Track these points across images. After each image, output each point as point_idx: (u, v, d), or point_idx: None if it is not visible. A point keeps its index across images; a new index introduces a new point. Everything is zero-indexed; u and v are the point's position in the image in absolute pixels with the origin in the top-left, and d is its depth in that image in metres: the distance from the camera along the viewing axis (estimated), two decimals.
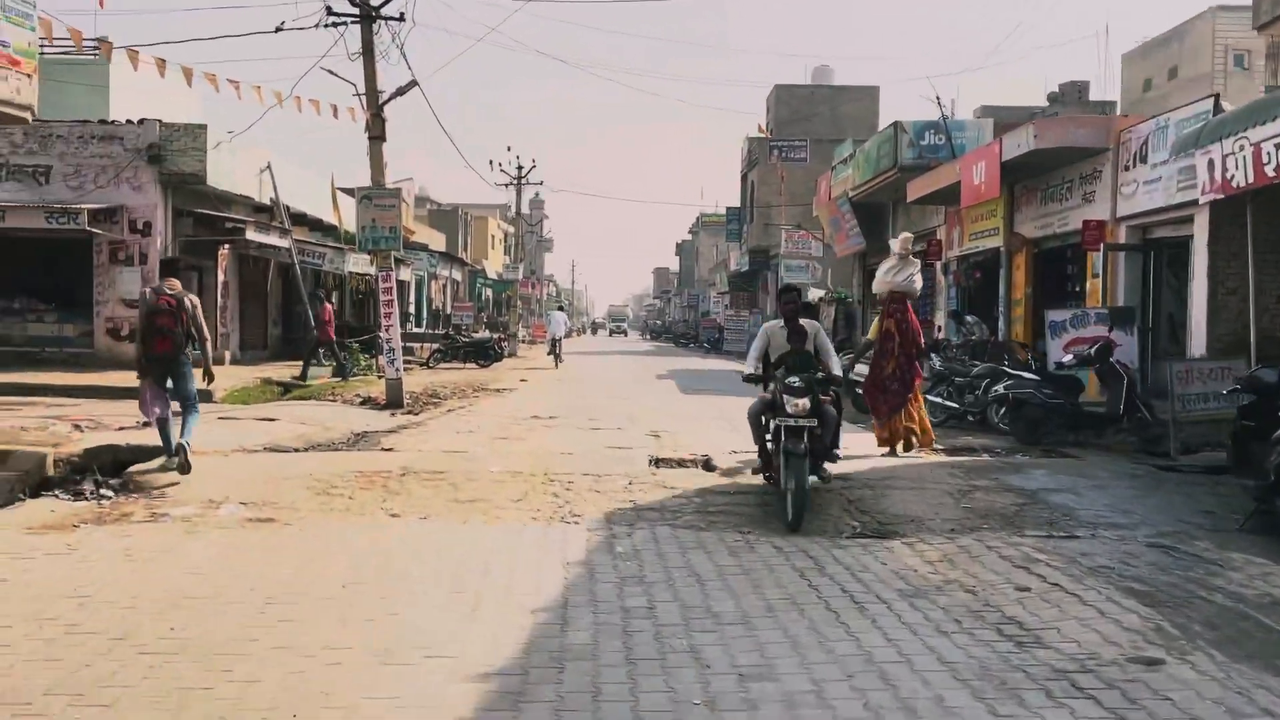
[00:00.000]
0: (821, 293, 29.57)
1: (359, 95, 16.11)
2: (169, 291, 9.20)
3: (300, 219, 24.04)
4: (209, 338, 9.56)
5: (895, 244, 11.49)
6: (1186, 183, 12.69)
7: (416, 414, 14.88)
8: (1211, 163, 11.13)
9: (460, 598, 5.45)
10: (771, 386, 8.04)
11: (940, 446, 11.42)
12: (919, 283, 11.42)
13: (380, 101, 15.98)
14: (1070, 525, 7.53)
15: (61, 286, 19.54)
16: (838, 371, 8.13)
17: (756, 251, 45.64)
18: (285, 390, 17.49)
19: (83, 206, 17.90)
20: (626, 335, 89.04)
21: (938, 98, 21.54)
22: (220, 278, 21.61)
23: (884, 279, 11.27)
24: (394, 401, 15.51)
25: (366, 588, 5.61)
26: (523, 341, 42.38)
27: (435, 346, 27.94)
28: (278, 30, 15.76)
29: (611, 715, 3.94)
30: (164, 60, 14.91)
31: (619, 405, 16.74)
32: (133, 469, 9.11)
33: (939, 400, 13.67)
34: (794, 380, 7.50)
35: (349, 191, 22.72)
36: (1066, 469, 10.20)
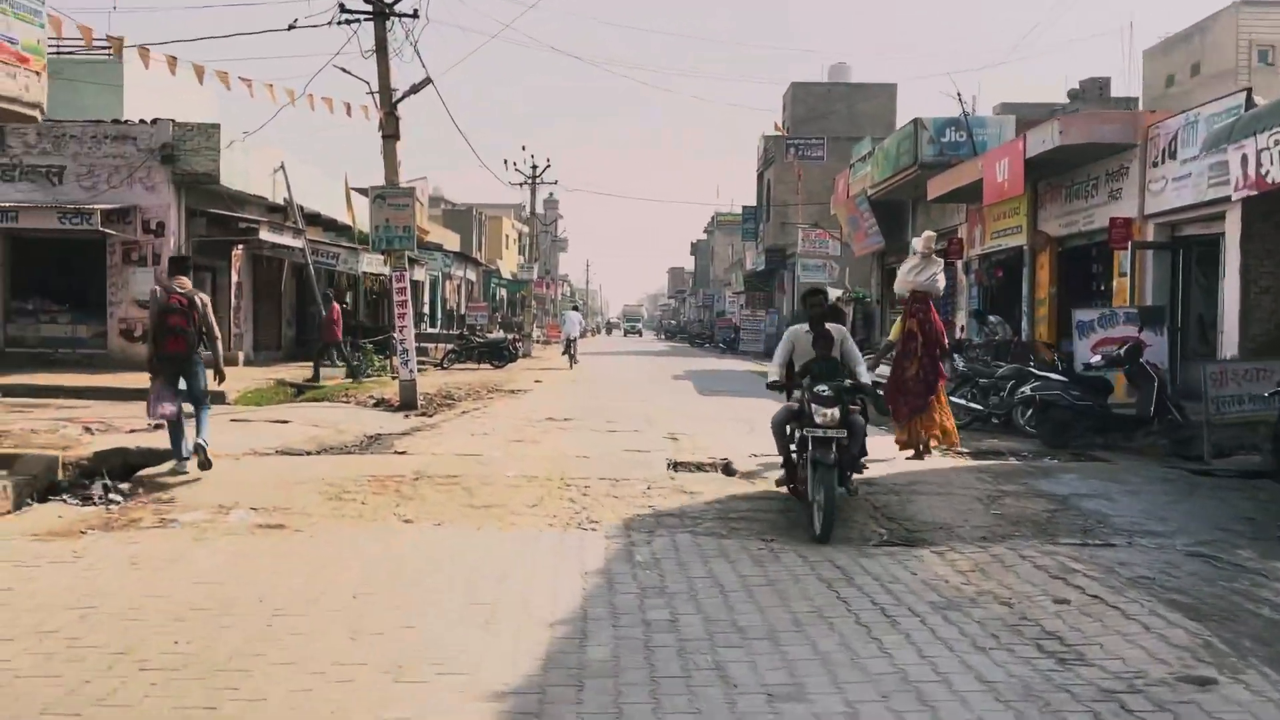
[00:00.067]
0: (839, 292, 29.29)
1: (372, 93, 15.97)
2: (180, 290, 9.03)
3: (314, 219, 23.96)
4: (220, 336, 9.39)
5: (918, 243, 11.25)
6: (1218, 179, 12.38)
7: (430, 416, 14.71)
8: (1245, 158, 10.84)
9: (475, 609, 5.24)
10: (797, 394, 7.76)
11: (965, 449, 11.17)
12: (942, 282, 11.18)
13: (394, 99, 15.83)
14: (1105, 533, 7.28)
15: (75, 287, 19.49)
16: (866, 379, 7.80)
17: (773, 251, 45.37)
18: (298, 391, 17.37)
19: (96, 207, 17.83)
20: (641, 335, 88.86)
21: (959, 94, 21.28)
22: (234, 278, 21.53)
23: (906, 278, 11.03)
24: (407, 403, 15.35)
25: (378, 598, 5.42)
26: (537, 342, 42.23)
27: (449, 347, 27.80)
28: (290, 28, 15.65)
29: None
30: (175, 58, 14.79)
31: (635, 407, 16.54)
32: (143, 472, 8.96)
33: (963, 402, 13.41)
34: (823, 389, 7.19)
35: (363, 191, 22.60)
36: (1097, 473, 9.92)
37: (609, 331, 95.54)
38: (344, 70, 15.89)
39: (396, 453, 10.84)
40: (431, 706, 4.01)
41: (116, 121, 19.80)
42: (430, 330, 34.65)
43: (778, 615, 5.20)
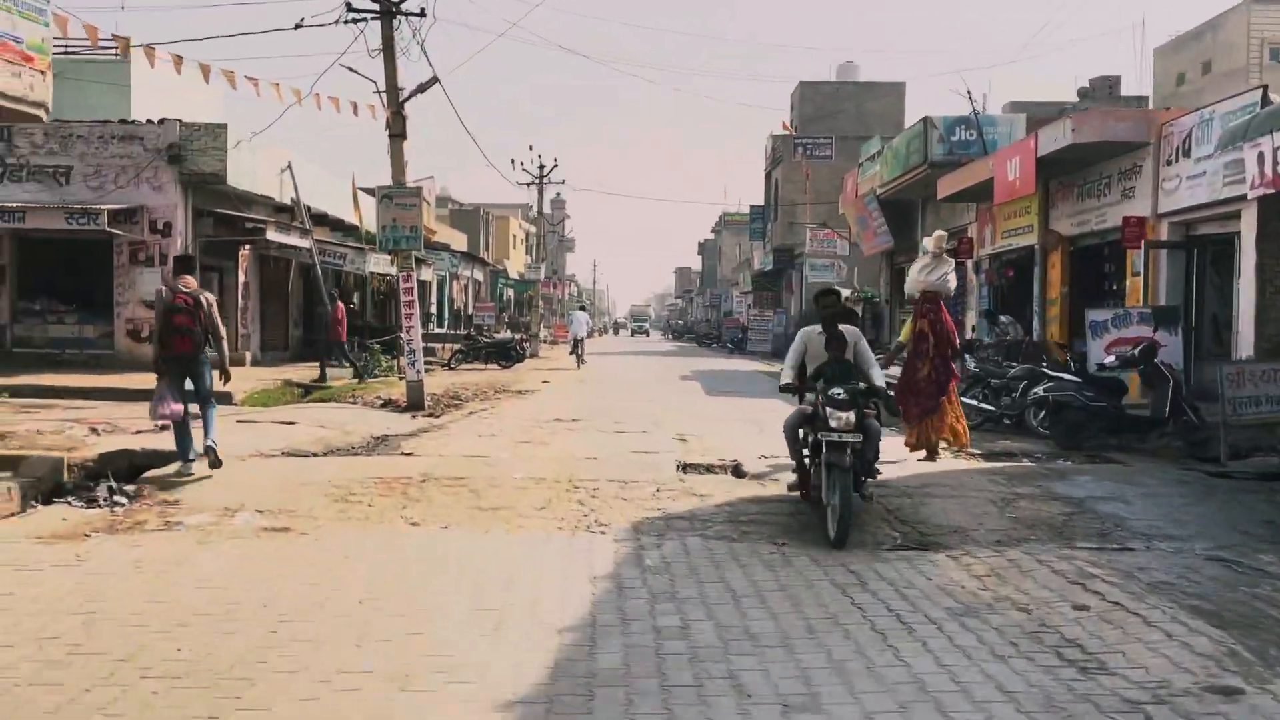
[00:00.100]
0: (848, 292, 29.13)
1: (379, 92, 15.89)
2: (185, 289, 8.96)
3: (321, 219, 23.90)
4: (225, 336, 9.31)
5: (929, 242, 11.13)
6: (1233, 177, 12.23)
7: (437, 416, 14.63)
8: (1261, 156, 10.69)
9: (482, 615, 5.15)
10: (809, 397, 7.62)
11: (977, 451, 11.05)
12: (953, 282, 11.05)
13: (401, 99, 15.74)
14: (1123, 536, 7.15)
15: (82, 288, 19.44)
16: (880, 382, 7.60)
17: (781, 250, 45.22)
18: (305, 392, 17.31)
19: (103, 207, 17.78)
20: (648, 335, 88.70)
21: (969, 92, 21.07)
22: (241, 278, 21.48)
23: (917, 278, 10.91)
24: (415, 404, 15.27)
25: (385, 603, 5.33)
26: (544, 342, 42.16)
27: (457, 347, 27.74)
28: (297, 27, 15.56)
29: None
30: (180, 57, 14.70)
31: (643, 407, 16.44)
32: (148, 474, 8.90)
33: (974, 403, 13.27)
34: (838, 392, 7.03)
35: (370, 191, 22.54)
36: (1112, 475, 9.79)
37: (616, 331, 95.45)
38: (351, 69, 15.82)
39: (403, 454, 10.75)
40: (439, 717, 3.92)
41: (123, 121, 19.76)
42: (437, 330, 34.59)
43: (791, 622, 5.09)
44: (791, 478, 7.99)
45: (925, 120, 21.75)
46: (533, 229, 54.84)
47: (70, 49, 21.81)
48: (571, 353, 30.31)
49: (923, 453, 10.53)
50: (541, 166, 42.35)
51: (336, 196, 24.65)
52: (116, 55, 21.13)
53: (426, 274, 33.74)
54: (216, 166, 18.85)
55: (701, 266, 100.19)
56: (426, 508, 7.75)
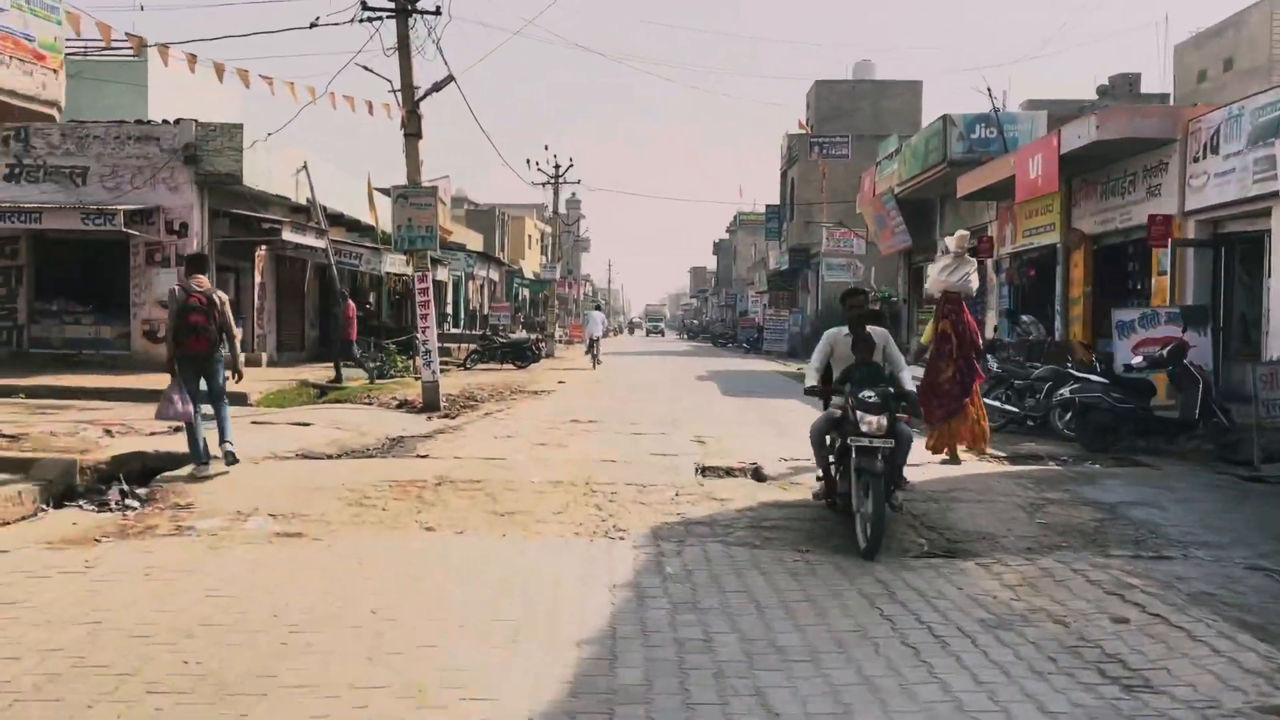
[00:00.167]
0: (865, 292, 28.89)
1: (394, 91, 15.77)
2: (198, 288, 8.87)
3: (337, 219, 23.84)
4: (237, 335, 9.22)
5: (950, 242, 10.90)
6: (1264, 174, 11.96)
7: (453, 418, 14.49)
8: None
9: (498, 626, 4.99)
10: (836, 401, 7.38)
11: (1002, 454, 10.82)
12: (975, 282, 10.84)
13: (416, 98, 15.62)
14: (1158, 544, 6.93)
15: (98, 288, 19.43)
16: (911, 386, 7.35)
17: (797, 250, 44.96)
18: (321, 392, 17.22)
19: (119, 207, 17.74)
20: (664, 335, 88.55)
21: (989, 89, 20.78)
22: (257, 279, 21.44)
23: (938, 278, 10.69)
24: (430, 404, 15.15)
25: (398, 613, 5.16)
26: (560, 342, 42.04)
27: (472, 347, 27.63)
28: (313, 26, 15.44)
29: None
30: (195, 56, 14.62)
31: (660, 408, 16.26)
32: (161, 476, 8.79)
33: (997, 404, 13.04)
34: (869, 395, 6.74)
35: (385, 191, 22.46)
36: (1143, 479, 9.55)
37: (631, 331, 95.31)
38: (366, 68, 15.70)
39: (418, 456, 10.61)
40: None
41: (139, 122, 19.74)
42: (453, 330, 34.53)
43: (818, 634, 4.91)
44: (816, 484, 7.78)
45: (945, 118, 21.49)
46: (548, 229, 54.73)
47: (88, 49, 21.80)
48: (587, 353, 30.18)
49: (945, 455, 10.32)
50: (557, 166, 42.23)
51: (352, 196, 24.59)
52: (133, 55, 21.10)
53: (442, 274, 33.66)
54: (232, 167, 18.80)
55: (716, 266, 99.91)
56: (442, 512, 7.60)
